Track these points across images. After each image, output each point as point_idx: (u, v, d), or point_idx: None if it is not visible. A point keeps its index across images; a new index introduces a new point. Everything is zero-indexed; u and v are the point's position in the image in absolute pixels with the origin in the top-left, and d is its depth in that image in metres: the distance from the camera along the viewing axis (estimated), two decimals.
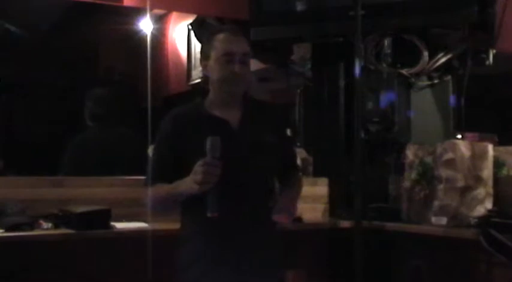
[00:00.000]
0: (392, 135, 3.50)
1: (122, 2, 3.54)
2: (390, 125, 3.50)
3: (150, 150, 3.87)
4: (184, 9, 4.27)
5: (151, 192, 2.14)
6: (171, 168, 2.11)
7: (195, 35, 4.52)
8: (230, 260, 2.10)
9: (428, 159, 3.07)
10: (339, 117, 3.65)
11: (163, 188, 2.12)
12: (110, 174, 3.25)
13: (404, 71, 3.52)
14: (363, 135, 3.26)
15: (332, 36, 3.54)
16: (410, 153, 3.20)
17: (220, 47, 2.13)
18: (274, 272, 2.20)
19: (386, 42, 3.49)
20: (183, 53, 5.76)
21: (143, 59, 3.92)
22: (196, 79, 5.54)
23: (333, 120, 3.66)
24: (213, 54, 2.14)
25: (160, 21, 5.94)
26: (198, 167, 1.94)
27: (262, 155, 2.16)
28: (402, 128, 3.53)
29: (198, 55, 5.89)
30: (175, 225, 3.03)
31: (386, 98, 3.49)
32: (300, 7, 3.55)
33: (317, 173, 3.58)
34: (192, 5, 3.88)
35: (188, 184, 1.98)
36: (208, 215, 1.91)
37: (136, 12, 4.60)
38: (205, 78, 2.24)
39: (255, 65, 3.87)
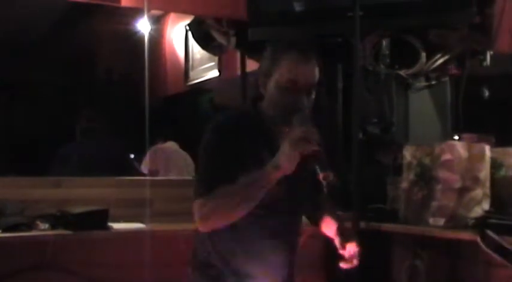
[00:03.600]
0: (390, 136, 3.51)
1: (120, 3, 3.54)
2: (388, 126, 3.51)
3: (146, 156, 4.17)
4: (182, 10, 4.29)
5: (217, 199, 1.82)
6: (235, 170, 1.83)
7: (193, 36, 4.49)
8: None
9: (426, 160, 3.06)
10: (337, 118, 3.63)
11: (238, 184, 1.81)
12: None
13: (402, 72, 3.53)
14: (361, 136, 3.28)
15: (330, 37, 3.53)
16: (408, 154, 3.19)
17: (285, 70, 1.88)
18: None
19: (384, 43, 3.49)
20: (181, 54, 5.80)
21: (141, 60, 3.94)
22: (194, 80, 5.59)
23: (331, 121, 3.64)
24: (275, 76, 1.90)
25: (158, 22, 5.96)
26: (296, 134, 1.74)
27: (303, 188, 2.03)
28: (400, 129, 3.54)
29: (196, 56, 5.87)
30: (173, 226, 3.12)
31: (384, 99, 3.51)
32: (298, 7, 3.53)
33: None
34: (189, 5, 3.87)
35: (284, 157, 1.74)
36: (321, 177, 1.72)
37: (134, 12, 4.62)
38: (260, 94, 1.99)
39: (251, 65, 4.03)
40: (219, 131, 1.92)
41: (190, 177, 3.91)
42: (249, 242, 1.93)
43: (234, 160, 1.85)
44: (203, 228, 1.89)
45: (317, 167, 1.73)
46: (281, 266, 1.99)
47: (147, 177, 3.48)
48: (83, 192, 3.19)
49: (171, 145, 4.86)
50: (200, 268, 1.99)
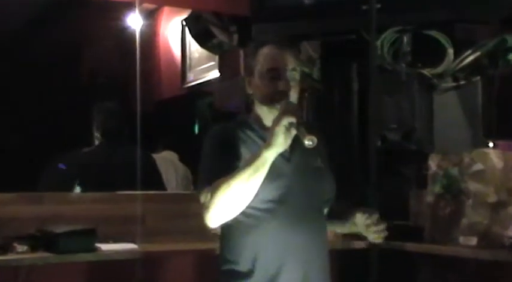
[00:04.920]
0: (412, 143, 3.50)
1: None
2: (410, 132, 3.51)
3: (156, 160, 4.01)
4: (177, 4, 4.35)
5: (217, 186, 2.01)
6: (234, 165, 2.07)
7: (190, 33, 4.56)
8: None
9: (454, 171, 3.08)
10: (351, 124, 3.65)
11: (235, 172, 2.02)
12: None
13: (425, 72, 3.52)
14: (379, 143, 3.29)
15: (343, 33, 3.55)
16: (433, 163, 3.19)
17: (264, 61, 2.18)
18: None
19: (405, 39, 3.48)
20: (177, 52, 5.83)
21: (132, 59, 3.92)
22: (192, 82, 5.64)
23: (345, 127, 3.66)
24: (257, 70, 2.19)
25: (151, 16, 5.98)
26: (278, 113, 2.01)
27: (314, 181, 2.21)
28: (424, 135, 3.54)
29: (194, 54, 5.96)
30: (168, 246, 3.16)
31: (405, 101, 3.50)
32: (307, 0, 3.56)
33: None
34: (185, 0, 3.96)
35: (270, 135, 1.98)
36: (306, 142, 1.95)
37: (123, 6, 4.68)
38: (249, 96, 2.27)
39: None
40: (217, 136, 2.20)
41: (187, 192, 4.00)
42: (264, 242, 2.11)
43: (232, 159, 2.09)
44: (210, 223, 2.05)
45: (301, 131, 1.95)
46: (306, 260, 2.14)
47: (138, 192, 3.38)
48: (66, 209, 3.18)
49: (168, 155, 4.83)
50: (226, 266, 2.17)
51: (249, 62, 2.24)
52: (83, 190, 3.50)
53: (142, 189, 3.41)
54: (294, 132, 1.97)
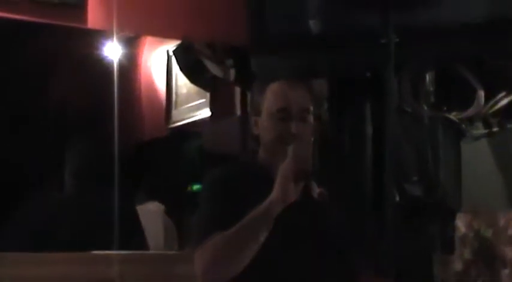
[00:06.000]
0: (436, 199, 3.42)
1: (86, 24, 3.51)
2: (434, 186, 3.43)
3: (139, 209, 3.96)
4: (161, 34, 4.23)
5: (215, 244, 2.00)
6: (234, 219, 2.02)
7: (178, 64, 4.56)
8: None
9: (488, 233, 3.06)
10: (364, 175, 3.53)
11: (234, 227, 2.00)
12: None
13: (452, 115, 3.49)
14: (397, 199, 3.22)
15: (357, 69, 3.49)
16: (462, 224, 3.18)
17: (273, 100, 2.17)
18: None
19: (427, 77, 3.47)
20: (161, 87, 5.76)
21: (108, 94, 3.87)
22: (177, 121, 5.56)
23: (356, 179, 3.54)
24: (265, 109, 2.18)
25: (131, 44, 5.90)
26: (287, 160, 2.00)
27: (324, 227, 2.22)
28: (450, 189, 3.49)
29: (181, 90, 5.89)
30: None
31: (428, 150, 3.43)
32: (315, 29, 3.42)
33: None
34: (170, 27, 3.80)
35: (277, 185, 1.97)
36: (315, 195, 1.98)
37: (99, 33, 4.60)
38: (255, 137, 2.28)
39: None
40: (216, 184, 2.17)
41: (170, 252, 3.95)
42: None
43: (233, 212, 2.02)
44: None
45: (311, 183, 1.98)
46: None
47: (113, 252, 3.27)
48: (31, 272, 3.07)
49: (154, 207, 4.66)
50: None
51: (256, 100, 2.25)
52: (50, 249, 3.30)
53: (120, 248, 3.33)
54: (303, 183, 1.98)
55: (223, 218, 2.03)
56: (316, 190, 1.96)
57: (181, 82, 5.51)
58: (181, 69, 4.64)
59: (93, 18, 3.53)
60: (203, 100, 5.33)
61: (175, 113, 5.55)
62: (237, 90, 4.32)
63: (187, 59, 4.38)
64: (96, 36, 4.80)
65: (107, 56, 4.99)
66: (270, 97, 2.17)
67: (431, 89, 3.46)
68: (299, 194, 2.01)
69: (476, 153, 3.58)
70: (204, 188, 2.23)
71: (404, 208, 3.30)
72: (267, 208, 1.97)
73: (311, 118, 2.18)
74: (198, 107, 5.41)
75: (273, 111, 2.15)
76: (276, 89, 2.18)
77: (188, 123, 5.51)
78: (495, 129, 3.54)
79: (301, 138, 2.11)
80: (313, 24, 3.39)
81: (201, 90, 5.15)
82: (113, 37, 4.49)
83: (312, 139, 2.19)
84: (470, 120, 3.49)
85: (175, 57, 4.75)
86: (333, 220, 2.25)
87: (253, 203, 2.03)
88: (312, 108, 2.18)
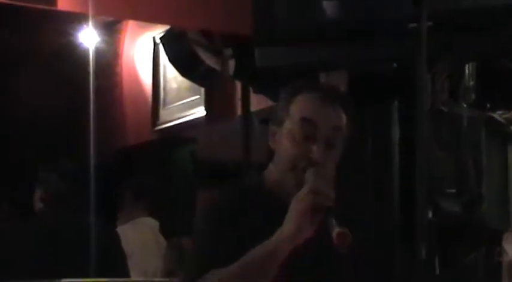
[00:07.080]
0: (478, 216, 3.31)
1: (56, 5, 3.35)
2: (475, 201, 3.31)
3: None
4: (146, 18, 4.17)
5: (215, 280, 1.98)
6: (231, 250, 1.99)
7: (167, 54, 4.44)
8: None
9: None
10: (391, 186, 3.41)
11: (235, 265, 1.95)
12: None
13: (497, 115, 3.43)
14: (430, 215, 3.12)
15: (380, 62, 3.38)
16: (509, 247, 3.12)
17: (300, 108, 2.08)
18: None
19: (467, 71, 3.37)
20: (147, 81, 5.70)
21: (83, 89, 3.83)
22: (166, 122, 5.53)
23: (381, 191, 3.43)
24: (288, 121, 2.09)
25: (111, 30, 5.87)
26: (303, 189, 1.93)
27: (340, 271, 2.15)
28: (494, 205, 3.41)
29: (171, 85, 5.80)
30: None
31: (468, 157, 3.33)
32: (330, 14, 3.32)
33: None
34: (158, 12, 3.72)
35: (290, 221, 1.89)
36: (336, 234, 1.86)
37: (73, 17, 4.47)
38: (270, 150, 2.19)
39: (258, 102, 4.06)
40: (218, 209, 2.11)
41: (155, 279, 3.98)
42: None
43: (237, 243, 1.99)
44: None
45: (332, 222, 1.87)
46: None
47: (91, 279, 3.28)
48: None
49: (146, 222, 4.60)
50: None
51: (280, 109, 2.15)
52: (17, 278, 3.33)
53: (97, 276, 3.34)
54: (320, 218, 1.89)
55: (223, 252, 1.99)
56: (335, 230, 1.83)
57: (171, 75, 5.51)
58: (170, 60, 4.55)
59: None
60: (197, 97, 5.34)
61: (163, 113, 5.55)
62: (238, 85, 4.29)
63: (179, 49, 4.30)
64: (68, 21, 4.71)
65: (81, 44, 4.90)
66: (296, 108, 2.09)
67: (472, 84, 3.38)
68: (314, 231, 1.93)
69: None
70: (201, 213, 2.16)
71: (438, 227, 3.18)
72: (277, 245, 1.91)
73: (340, 141, 2.09)
74: (191, 106, 5.43)
75: (296, 122, 2.06)
76: (307, 98, 2.09)
77: (179, 125, 5.51)
78: None
79: (323, 167, 2.03)
80: (328, 9, 3.31)
81: (195, 86, 5.14)
82: (88, 22, 4.39)
83: (335, 166, 2.10)
84: None
85: (164, 45, 4.65)
86: (353, 266, 2.15)
87: (259, 235, 1.97)
88: (344, 129, 2.09)
